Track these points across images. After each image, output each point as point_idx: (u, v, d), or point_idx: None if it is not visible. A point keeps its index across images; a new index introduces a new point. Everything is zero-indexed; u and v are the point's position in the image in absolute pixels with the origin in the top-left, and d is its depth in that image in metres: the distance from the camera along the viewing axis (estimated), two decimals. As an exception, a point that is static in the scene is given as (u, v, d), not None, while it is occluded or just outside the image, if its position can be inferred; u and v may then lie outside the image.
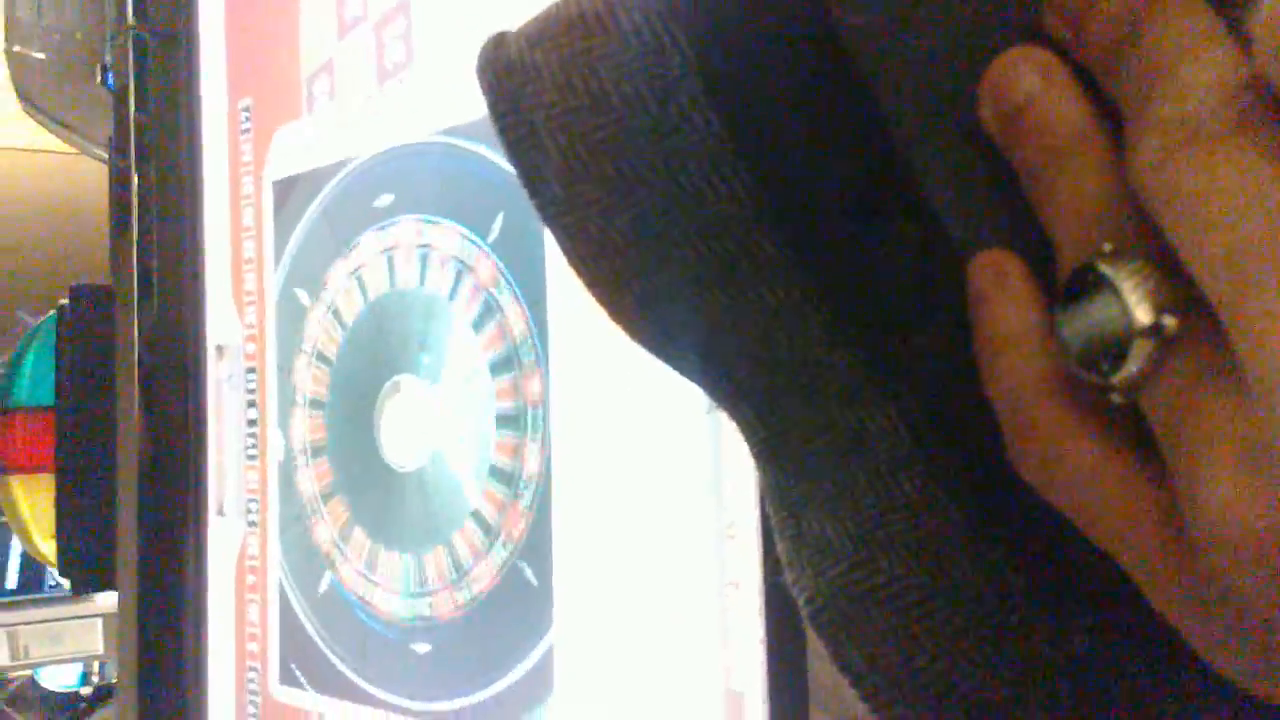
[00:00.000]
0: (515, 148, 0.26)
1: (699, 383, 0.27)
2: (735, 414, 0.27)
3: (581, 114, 0.25)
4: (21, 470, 0.99)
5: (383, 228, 0.72)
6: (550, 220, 0.26)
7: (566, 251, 0.26)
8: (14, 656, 1.59)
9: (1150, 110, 0.20)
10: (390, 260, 0.71)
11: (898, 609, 0.25)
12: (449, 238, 0.67)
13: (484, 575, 0.64)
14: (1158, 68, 0.20)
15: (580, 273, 0.26)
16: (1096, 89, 0.22)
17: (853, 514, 0.25)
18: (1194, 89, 0.19)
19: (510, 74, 0.26)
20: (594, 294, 0.26)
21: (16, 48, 0.95)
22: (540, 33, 0.26)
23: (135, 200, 0.82)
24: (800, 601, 0.26)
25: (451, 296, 0.67)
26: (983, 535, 0.24)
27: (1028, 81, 0.22)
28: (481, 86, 0.26)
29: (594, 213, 0.25)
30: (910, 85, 0.24)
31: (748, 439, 0.27)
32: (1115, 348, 0.20)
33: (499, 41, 0.27)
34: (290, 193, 0.79)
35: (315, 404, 0.77)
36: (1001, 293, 0.23)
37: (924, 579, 0.25)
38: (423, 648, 0.68)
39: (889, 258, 0.24)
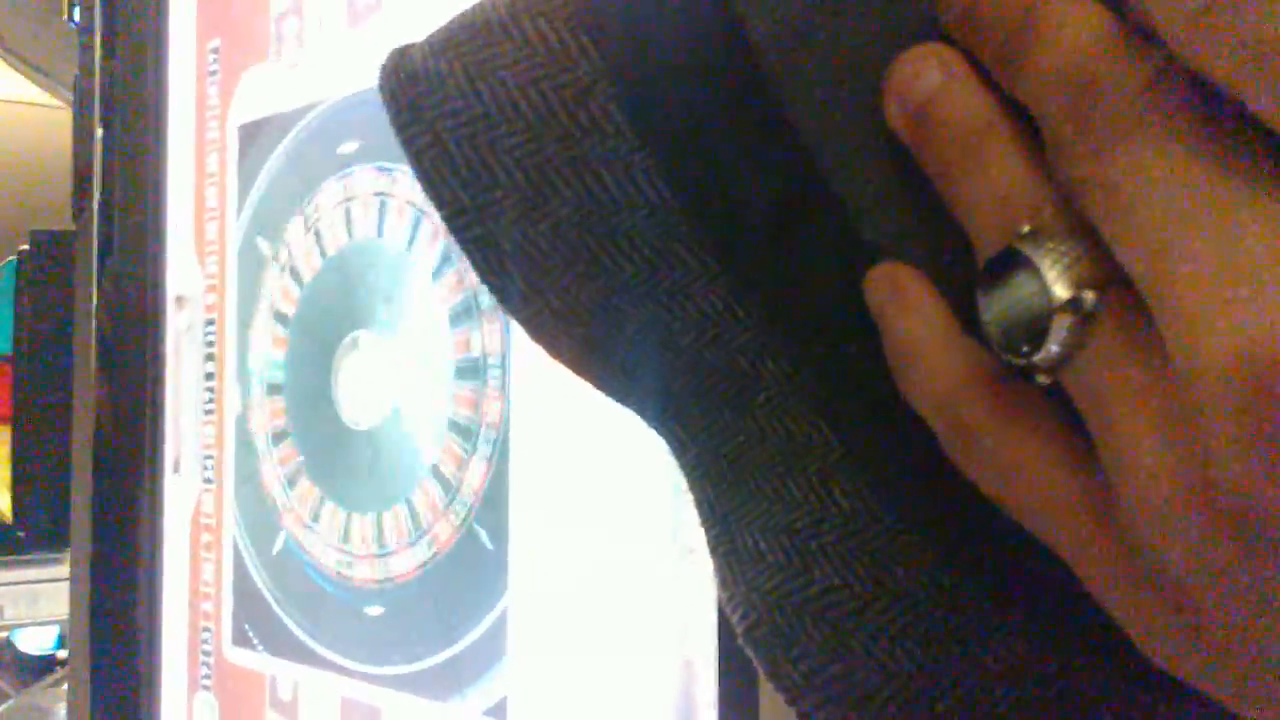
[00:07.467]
0: (419, 157, 0.25)
1: (625, 400, 0.27)
2: (665, 432, 0.27)
3: (490, 122, 0.24)
4: (-22, 420, 0.98)
5: (342, 176, 0.70)
6: (458, 231, 0.25)
7: (477, 265, 0.25)
8: (-12, 617, 1.59)
9: (1066, 105, 0.20)
10: (348, 212, 0.69)
11: (834, 619, 0.24)
12: (403, 184, 0.66)
13: (439, 536, 0.63)
14: (1064, 65, 0.20)
15: (493, 288, 0.25)
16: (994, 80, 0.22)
17: (786, 525, 0.25)
18: (1109, 83, 0.20)
19: (413, 82, 0.25)
20: (508, 310, 0.25)
21: (-19, -20, 0.93)
22: (444, 41, 0.25)
23: (99, 142, 0.80)
24: (734, 619, 0.25)
25: (410, 245, 0.65)
26: (916, 540, 0.24)
27: (930, 77, 0.23)
28: (383, 98, 0.25)
29: (506, 223, 0.24)
30: (815, 92, 0.23)
31: (678, 457, 0.27)
32: (1036, 326, 0.20)
33: (402, 52, 0.26)
34: (255, 138, 0.77)
35: (275, 373, 0.75)
36: (899, 305, 0.23)
37: (859, 588, 0.24)
38: (375, 610, 0.67)
39: (812, 263, 0.24)
